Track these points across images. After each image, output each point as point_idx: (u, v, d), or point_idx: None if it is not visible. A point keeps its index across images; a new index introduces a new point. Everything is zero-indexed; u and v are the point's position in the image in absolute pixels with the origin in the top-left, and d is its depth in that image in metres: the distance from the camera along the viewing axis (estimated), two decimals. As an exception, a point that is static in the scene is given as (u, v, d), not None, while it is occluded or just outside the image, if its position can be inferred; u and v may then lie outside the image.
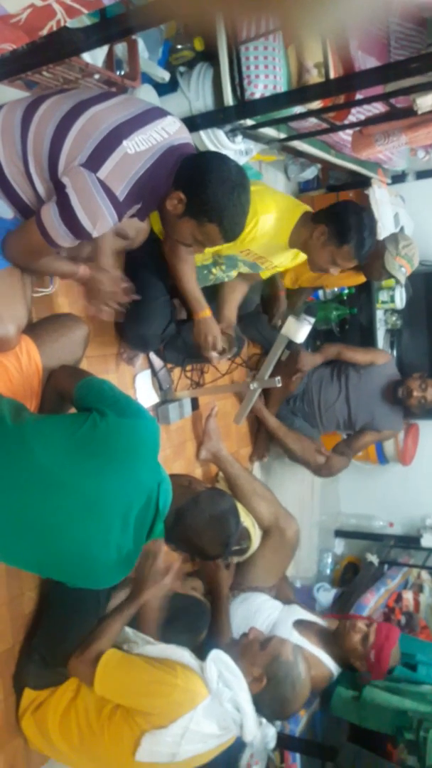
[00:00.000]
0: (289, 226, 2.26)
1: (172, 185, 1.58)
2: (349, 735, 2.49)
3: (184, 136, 1.65)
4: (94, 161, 1.44)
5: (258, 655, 1.96)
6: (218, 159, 1.61)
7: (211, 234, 1.64)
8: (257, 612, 2.51)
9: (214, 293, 2.55)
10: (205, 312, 2.30)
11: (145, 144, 1.51)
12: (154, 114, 1.58)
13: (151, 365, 2.58)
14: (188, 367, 2.76)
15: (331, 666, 2.41)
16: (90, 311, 1.92)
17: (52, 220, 1.46)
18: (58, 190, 1.46)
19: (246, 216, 1.66)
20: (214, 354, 2.38)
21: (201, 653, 1.89)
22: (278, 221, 2.21)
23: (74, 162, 1.45)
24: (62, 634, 1.85)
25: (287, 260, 2.51)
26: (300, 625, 2.48)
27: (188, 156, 1.59)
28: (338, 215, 2.20)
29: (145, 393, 2.55)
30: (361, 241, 2.19)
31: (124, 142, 1.46)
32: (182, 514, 1.63)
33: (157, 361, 2.59)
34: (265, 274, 2.67)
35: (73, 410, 1.70)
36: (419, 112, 2.18)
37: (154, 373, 2.59)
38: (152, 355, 2.57)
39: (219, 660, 1.86)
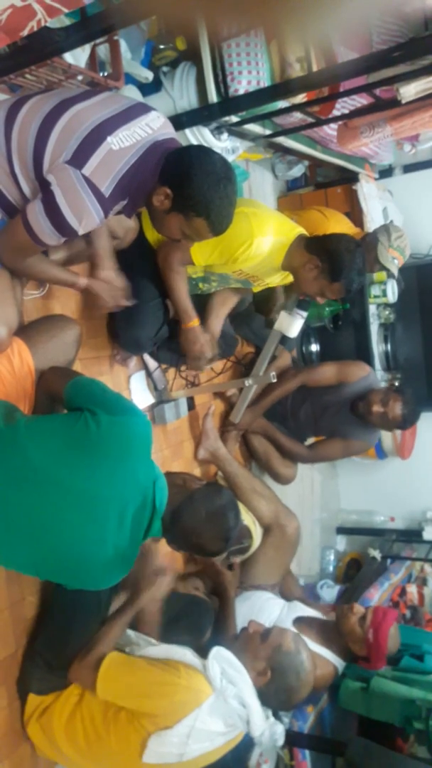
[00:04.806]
0: (283, 250, 2.25)
1: (157, 180, 1.57)
2: (358, 730, 2.48)
3: (168, 131, 1.64)
4: (79, 158, 1.44)
5: (260, 648, 1.95)
6: (203, 152, 1.60)
7: (199, 228, 1.64)
8: (260, 610, 2.50)
9: (205, 301, 2.55)
10: (193, 322, 2.33)
11: (129, 140, 1.51)
12: (137, 110, 1.58)
13: (145, 366, 2.57)
14: (183, 367, 2.75)
15: (335, 661, 2.40)
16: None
17: (38, 217, 1.46)
18: (44, 187, 1.46)
19: (233, 208, 1.66)
20: (201, 362, 2.41)
21: (206, 653, 1.87)
22: (273, 244, 2.20)
23: (59, 159, 1.44)
24: (65, 637, 1.84)
25: (279, 279, 2.51)
26: (300, 622, 2.46)
27: (173, 151, 1.58)
28: (333, 252, 2.19)
29: (140, 394, 2.54)
30: (352, 280, 2.22)
31: (108, 139, 1.46)
32: (179, 514, 1.61)
33: (152, 362, 2.58)
34: (256, 290, 2.66)
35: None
36: (403, 102, 2.19)
37: (149, 374, 2.58)
38: (146, 356, 2.56)
39: (221, 657, 1.85)
